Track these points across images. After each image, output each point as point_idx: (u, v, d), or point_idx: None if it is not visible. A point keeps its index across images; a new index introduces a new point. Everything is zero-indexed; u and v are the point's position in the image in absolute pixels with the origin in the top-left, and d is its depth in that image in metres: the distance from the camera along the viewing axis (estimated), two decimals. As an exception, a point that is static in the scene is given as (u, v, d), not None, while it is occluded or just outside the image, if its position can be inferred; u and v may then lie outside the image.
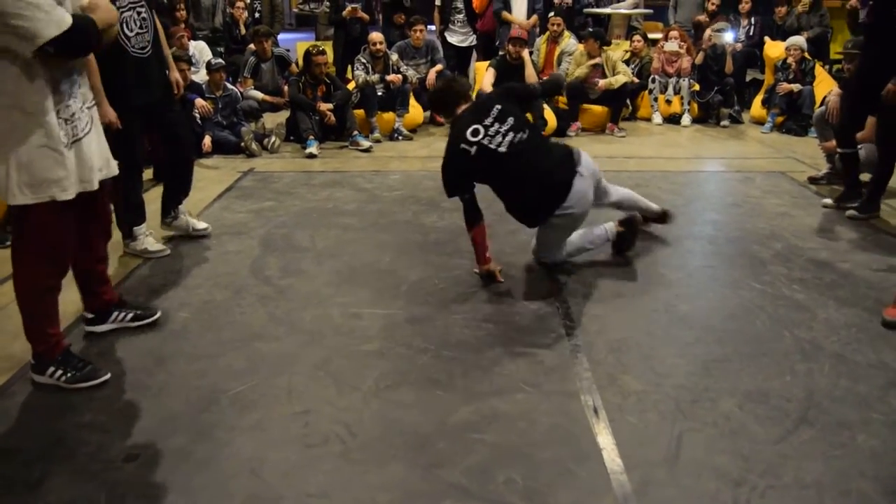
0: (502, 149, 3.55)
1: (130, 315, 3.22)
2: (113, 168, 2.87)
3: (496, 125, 3.58)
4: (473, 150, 3.55)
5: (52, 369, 2.76)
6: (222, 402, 2.66)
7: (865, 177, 5.07)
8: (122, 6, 3.49)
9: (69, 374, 2.76)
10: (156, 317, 3.27)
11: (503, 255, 3.99)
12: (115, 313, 3.20)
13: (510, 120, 3.61)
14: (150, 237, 4.09)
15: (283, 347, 3.05)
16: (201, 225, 4.41)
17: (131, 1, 3.58)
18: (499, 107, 3.64)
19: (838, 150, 5.04)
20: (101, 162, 2.78)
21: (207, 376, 2.83)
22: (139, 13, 3.64)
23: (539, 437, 2.45)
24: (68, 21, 2.40)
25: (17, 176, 2.49)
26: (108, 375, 2.82)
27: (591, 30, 7.71)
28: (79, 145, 2.64)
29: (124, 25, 3.54)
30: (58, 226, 2.64)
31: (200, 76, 6.87)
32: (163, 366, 2.91)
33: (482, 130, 3.57)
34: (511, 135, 3.58)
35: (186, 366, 2.91)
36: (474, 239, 3.69)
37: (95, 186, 2.72)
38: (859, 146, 4.98)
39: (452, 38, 8.08)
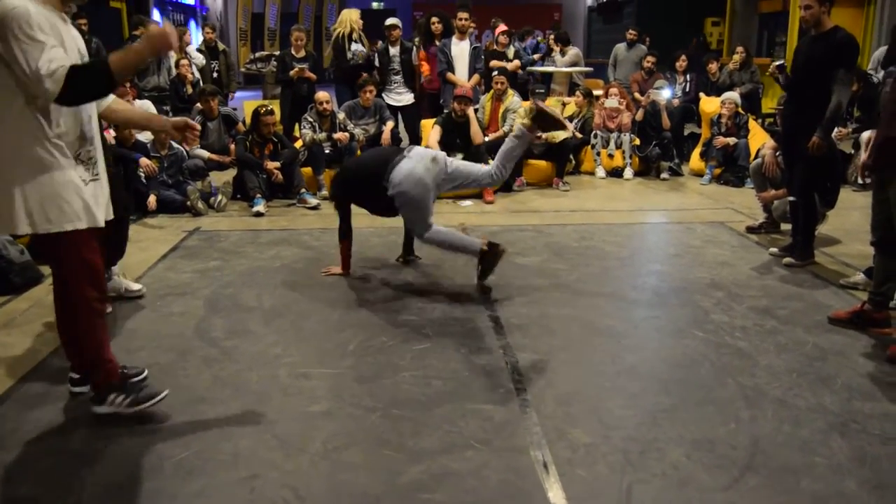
0: None
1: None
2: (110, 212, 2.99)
3: None
4: None
5: (112, 396, 2.85)
6: (165, 469, 2.58)
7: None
8: None
9: (131, 398, 2.85)
10: (144, 374, 3.18)
11: (453, 310, 4.02)
12: None
13: None
14: (124, 277, 4.04)
15: (228, 411, 2.98)
16: (135, 286, 4.33)
17: None
18: None
19: (790, 198, 5.16)
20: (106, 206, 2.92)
21: (150, 443, 2.74)
22: None
23: (489, 495, 2.43)
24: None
25: (41, 206, 2.59)
26: (167, 391, 2.92)
27: (540, 91, 7.92)
28: (94, 185, 2.78)
29: None
30: (92, 248, 2.74)
31: (145, 135, 6.82)
32: (103, 432, 2.82)
33: None
34: None
35: (128, 432, 2.82)
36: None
37: (102, 224, 2.81)
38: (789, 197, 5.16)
39: (389, 100, 8.22)
